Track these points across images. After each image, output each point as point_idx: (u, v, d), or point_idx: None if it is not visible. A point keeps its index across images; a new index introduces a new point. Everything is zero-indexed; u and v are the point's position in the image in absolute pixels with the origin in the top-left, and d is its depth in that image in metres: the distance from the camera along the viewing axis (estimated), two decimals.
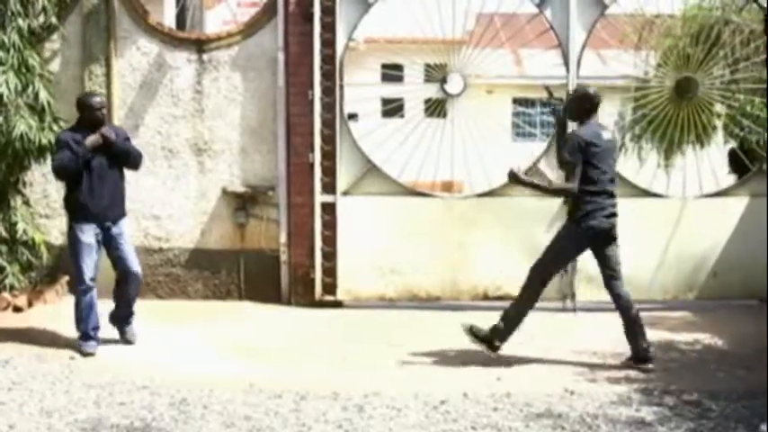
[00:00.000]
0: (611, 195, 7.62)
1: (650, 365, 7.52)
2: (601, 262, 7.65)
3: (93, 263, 7.96)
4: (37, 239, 9.53)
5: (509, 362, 7.75)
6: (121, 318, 8.30)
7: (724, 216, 9.82)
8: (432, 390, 6.81)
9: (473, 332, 7.78)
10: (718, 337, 8.60)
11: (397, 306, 9.94)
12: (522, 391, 6.79)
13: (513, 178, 7.73)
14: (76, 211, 7.97)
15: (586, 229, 7.50)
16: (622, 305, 7.61)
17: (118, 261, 8.10)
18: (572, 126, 7.86)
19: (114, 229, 8.04)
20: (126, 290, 8.17)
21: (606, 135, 7.66)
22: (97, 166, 7.93)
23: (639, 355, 7.59)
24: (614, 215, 7.59)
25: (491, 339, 7.70)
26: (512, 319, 7.68)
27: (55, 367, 7.39)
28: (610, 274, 7.63)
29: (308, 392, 6.76)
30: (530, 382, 7.11)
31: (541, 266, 7.65)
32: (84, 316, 7.95)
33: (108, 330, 8.17)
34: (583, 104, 7.72)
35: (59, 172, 7.96)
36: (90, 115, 7.99)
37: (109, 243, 8.05)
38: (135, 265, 8.15)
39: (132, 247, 8.27)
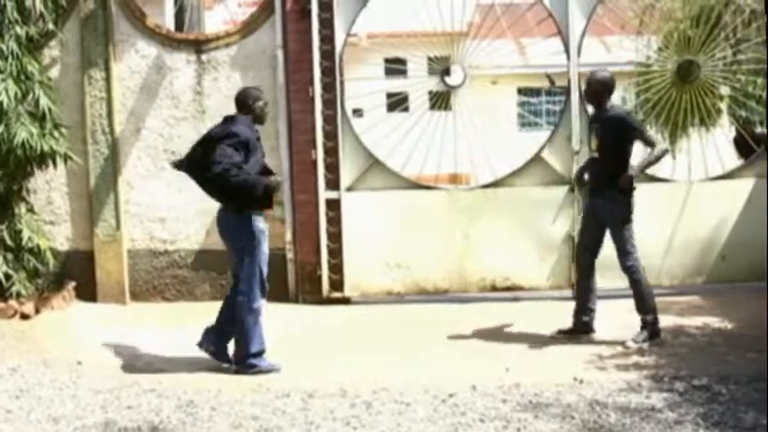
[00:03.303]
0: None
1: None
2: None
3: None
4: (42, 246, 9.48)
5: (517, 353, 7.77)
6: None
7: (730, 198, 9.76)
8: (440, 383, 6.78)
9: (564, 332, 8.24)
10: (727, 321, 8.57)
11: (406, 300, 9.91)
12: (531, 382, 6.76)
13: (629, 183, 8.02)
14: (256, 203, 7.24)
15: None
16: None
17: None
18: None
19: None
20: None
21: None
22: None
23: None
24: None
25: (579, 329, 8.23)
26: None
27: (62, 374, 7.35)
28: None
29: (315, 390, 6.74)
30: (538, 372, 7.08)
31: (626, 255, 8.03)
32: (259, 332, 7.33)
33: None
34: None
35: (243, 187, 7.07)
36: (259, 108, 7.42)
37: None
38: None
39: None
